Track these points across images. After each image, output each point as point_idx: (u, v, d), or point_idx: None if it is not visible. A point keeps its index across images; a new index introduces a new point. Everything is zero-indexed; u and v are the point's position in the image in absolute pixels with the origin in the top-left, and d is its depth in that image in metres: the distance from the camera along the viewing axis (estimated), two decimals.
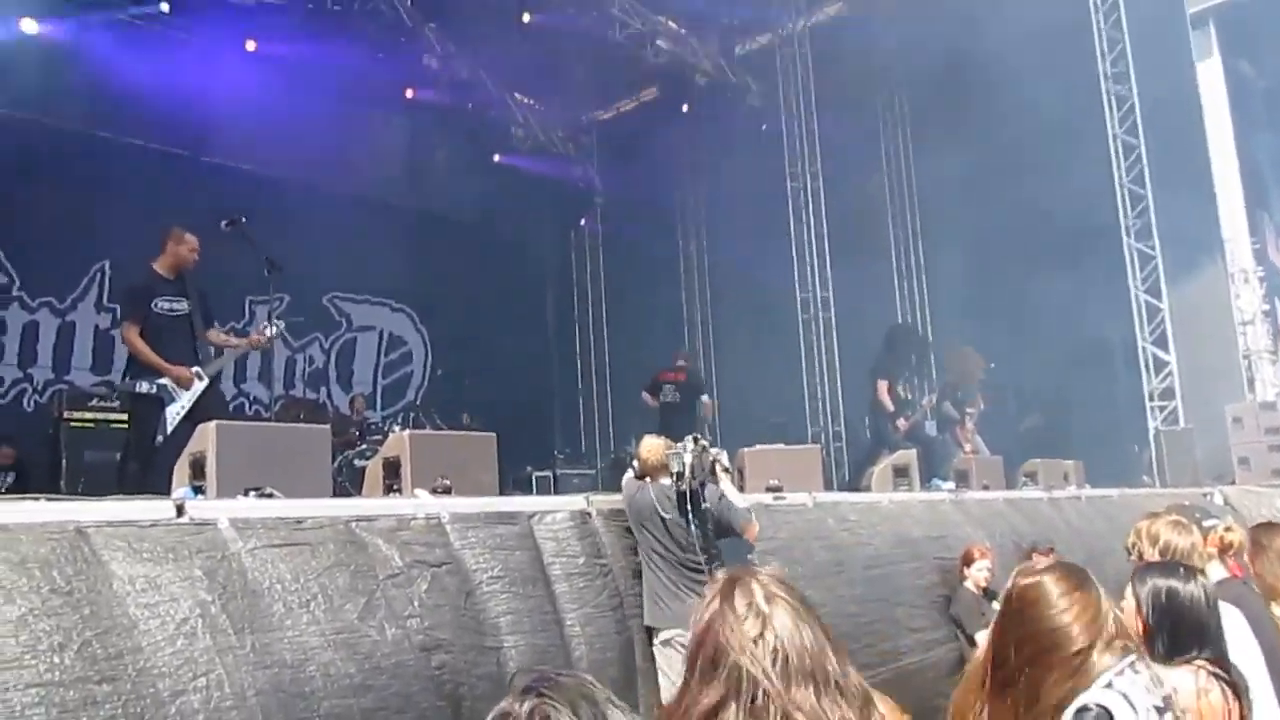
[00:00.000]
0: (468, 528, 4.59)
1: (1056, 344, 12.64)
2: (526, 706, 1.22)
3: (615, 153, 16.71)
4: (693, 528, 5.01)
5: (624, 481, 5.48)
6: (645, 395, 12.18)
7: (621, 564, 5.18)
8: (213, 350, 6.64)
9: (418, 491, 5.00)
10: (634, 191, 16.06)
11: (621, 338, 16.98)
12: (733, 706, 1.58)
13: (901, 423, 10.73)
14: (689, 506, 5.03)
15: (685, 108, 15.63)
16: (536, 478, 13.02)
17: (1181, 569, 2.86)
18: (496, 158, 16.06)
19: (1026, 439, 12.53)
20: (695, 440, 5.20)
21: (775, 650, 1.61)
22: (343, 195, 13.65)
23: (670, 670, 4.93)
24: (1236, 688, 2.57)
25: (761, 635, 1.62)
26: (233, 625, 3.45)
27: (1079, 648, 2.21)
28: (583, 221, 17.78)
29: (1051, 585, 2.30)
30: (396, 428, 12.08)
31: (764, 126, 14.74)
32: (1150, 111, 12.43)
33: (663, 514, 5.07)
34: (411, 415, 14.13)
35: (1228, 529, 4.14)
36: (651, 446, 5.31)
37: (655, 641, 5.02)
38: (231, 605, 3.50)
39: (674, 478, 5.07)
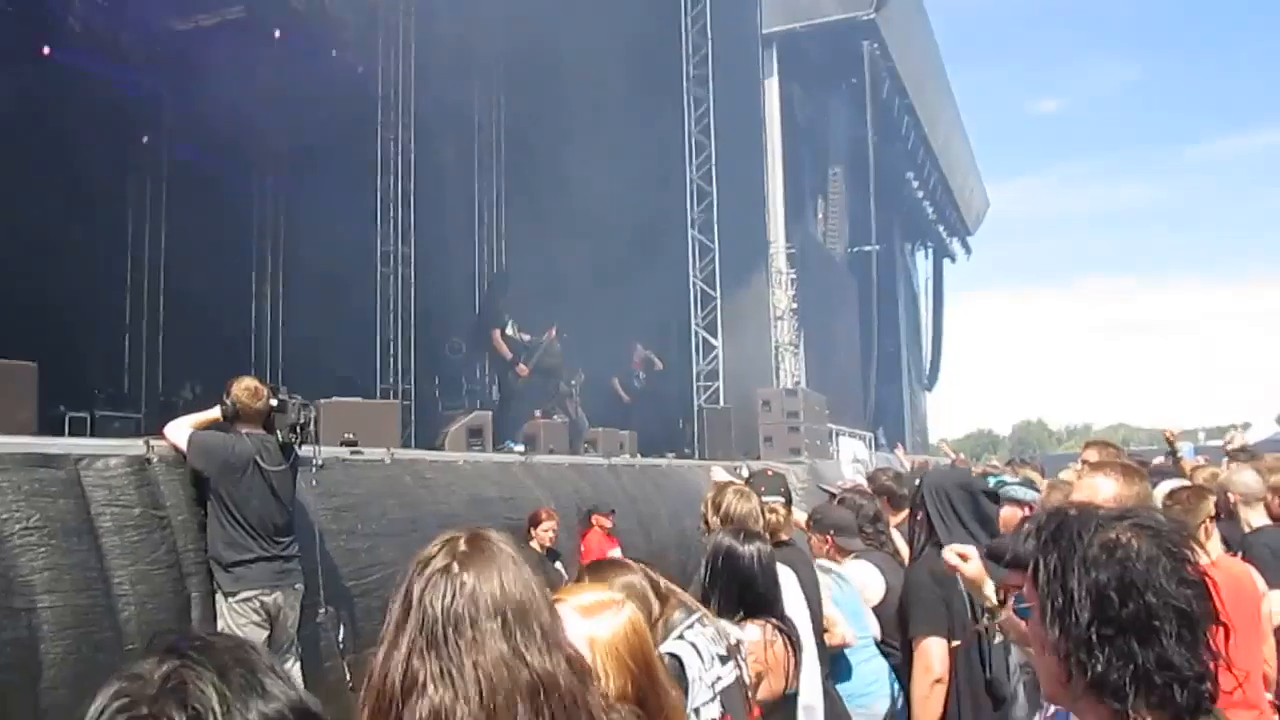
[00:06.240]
0: None
1: (624, 323, 13.49)
2: (164, 669, 0.99)
3: (190, 70, 15.16)
4: (292, 485, 4.79)
5: (209, 429, 4.94)
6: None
7: (184, 516, 4.76)
8: None
9: None
10: (208, 116, 14.66)
11: (179, 271, 15.55)
12: (423, 655, 1.48)
13: (522, 368, 11.16)
14: (291, 463, 4.80)
15: (277, 34, 14.56)
16: (71, 419, 11.58)
17: (742, 533, 3.17)
18: (46, 50, 13.96)
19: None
20: (296, 397, 4.99)
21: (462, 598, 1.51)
22: None
23: (241, 632, 4.62)
24: (793, 640, 2.92)
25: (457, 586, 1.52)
26: None
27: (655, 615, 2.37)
28: (145, 139, 16.00)
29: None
30: None
31: (360, 69, 14.18)
32: (723, 116, 13.62)
33: (265, 466, 4.73)
34: None
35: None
36: (252, 390, 4.88)
37: (231, 601, 4.68)
38: None
39: (288, 431, 4.80)
